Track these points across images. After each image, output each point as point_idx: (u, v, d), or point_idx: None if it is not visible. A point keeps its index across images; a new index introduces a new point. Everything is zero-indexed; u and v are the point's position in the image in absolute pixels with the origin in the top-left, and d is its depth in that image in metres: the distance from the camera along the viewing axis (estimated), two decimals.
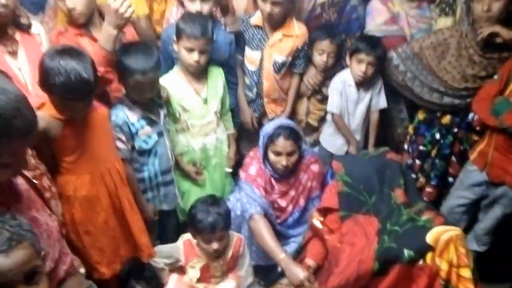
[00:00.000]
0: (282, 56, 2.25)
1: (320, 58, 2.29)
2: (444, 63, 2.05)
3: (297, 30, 2.23)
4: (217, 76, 2.06)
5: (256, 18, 2.23)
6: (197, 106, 2.01)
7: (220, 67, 2.07)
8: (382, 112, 2.36)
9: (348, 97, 2.29)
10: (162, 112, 1.84)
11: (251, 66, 2.30)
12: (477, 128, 2.07)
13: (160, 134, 1.84)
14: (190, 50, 1.85)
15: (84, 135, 1.53)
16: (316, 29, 2.29)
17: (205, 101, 2.01)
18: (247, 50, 2.27)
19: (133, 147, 1.79)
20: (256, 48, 2.25)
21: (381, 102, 2.32)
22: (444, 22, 2.17)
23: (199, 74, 1.99)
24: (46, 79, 1.36)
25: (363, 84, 2.25)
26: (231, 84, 2.22)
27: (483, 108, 1.90)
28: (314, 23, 2.35)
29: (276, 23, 2.19)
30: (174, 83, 1.96)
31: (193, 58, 1.86)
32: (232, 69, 2.22)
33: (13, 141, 0.90)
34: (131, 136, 1.76)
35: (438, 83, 2.08)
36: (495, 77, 1.91)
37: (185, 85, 1.98)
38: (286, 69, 2.31)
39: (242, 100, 2.35)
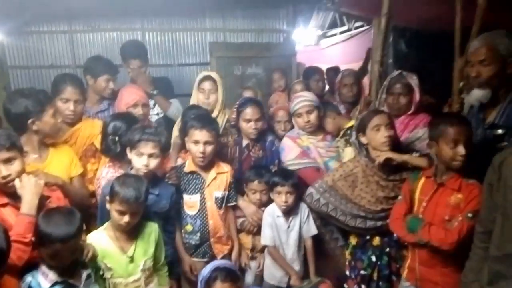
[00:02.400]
0: (220, 191, 2.38)
1: (253, 196, 2.46)
2: (357, 190, 2.25)
3: (225, 167, 2.44)
4: (149, 232, 2.03)
5: (189, 165, 2.38)
6: (121, 265, 1.95)
7: (155, 222, 2.09)
8: (319, 240, 2.45)
9: (279, 227, 2.40)
10: (85, 272, 1.78)
11: (191, 211, 2.36)
12: (406, 244, 2.15)
13: None
14: (122, 212, 1.87)
15: None
16: (247, 171, 2.50)
17: (131, 259, 1.96)
18: (186, 197, 2.37)
19: None
20: (195, 192, 2.36)
21: (311, 229, 2.42)
22: (350, 152, 2.45)
23: (129, 231, 1.98)
24: None
25: (290, 213, 2.40)
26: (170, 234, 2.26)
27: (399, 228, 2.02)
28: (246, 163, 2.59)
29: (208, 163, 2.36)
30: (99, 241, 1.94)
31: (123, 220, 1.89)
32: (171, 219, 2.28)
33: None
34: None
35: (357, 209, 2.25)
36: (400, 197, 2.11)
37: (111, 243, 1.94)
38: (225, 203, 2.42)
39: (180, 249, 2.36)
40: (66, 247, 1.64)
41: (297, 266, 2.40)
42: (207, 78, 2.80)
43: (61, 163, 2.17)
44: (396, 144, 2.21)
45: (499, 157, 1.49)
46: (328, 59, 6.54)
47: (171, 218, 2.27)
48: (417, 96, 2.40)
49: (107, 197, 1.92)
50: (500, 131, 1.93)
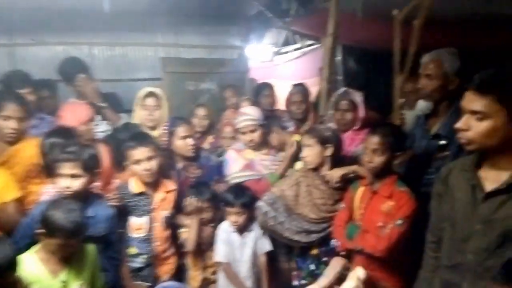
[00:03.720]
0: (168, 210, 2.36)
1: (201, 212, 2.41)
2: (300, 199, 2.28)
3: (173, 185, 2.41)
4: (84, 254, 1.93)
5: (136, 186, 2.32)
6: None
7: (92, 244, 1.98)
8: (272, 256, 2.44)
9: (232, 244, 2.38)
10: None
11: (137, 233, 2.30)
12: (343, 253, 2.18)
13: None
14: (63, 246, 1.75)
15: None
16: (187, 190, 2.46)
17: (64, 284, 1.82)
18: (132, 219, 2.30)
19: None
20: (142, 214, 2.31)
21: (266, 245, 2.42)
22: (300, 165, 2.50)
23: None
24: None
25: (244, 228, 2.39)
26: (112, 260, 2.14)
27: (340, 235, 2.09)
28: (186, 183, 2.56)
29: (156, 182, 2.32)
30: (28, 265, 1.76)
31: (65, 251, 1.77)
32: (112, 245, 2.16)
33: None
34: None
35: (301, 219, 2.25)
36: (342, 205, 2.17)
37: (41, 266, 1.79)
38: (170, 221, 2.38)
39: (127, 277, 2.27)
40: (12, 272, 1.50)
41: (249, 284, 2.38)
42: (150, 94, 2.77)
43: None
44: (338, 160, 2.29)
45: (445, 169, 1.56)
46: (281, 75, 6.67)
47: (112, 244, 2.14)
48: (361, 112, 2.50)
49: (41, 230, 1.75)
50: (443, 141, 2.05)
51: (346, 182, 2.23)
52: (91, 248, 1.95)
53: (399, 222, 1.86)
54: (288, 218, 2.30)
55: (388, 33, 2.53)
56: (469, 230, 1.38)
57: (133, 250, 2.30)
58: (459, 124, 1.33)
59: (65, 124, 2.52)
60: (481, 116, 1.27)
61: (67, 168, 1.96)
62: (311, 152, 2.23)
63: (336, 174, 2.20)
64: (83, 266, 1.89)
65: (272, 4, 3.85)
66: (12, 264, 1.53)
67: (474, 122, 1.29)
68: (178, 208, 2.45)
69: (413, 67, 2.41)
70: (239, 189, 2.41)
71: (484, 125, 1.27)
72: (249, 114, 2.60)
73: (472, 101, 1.27)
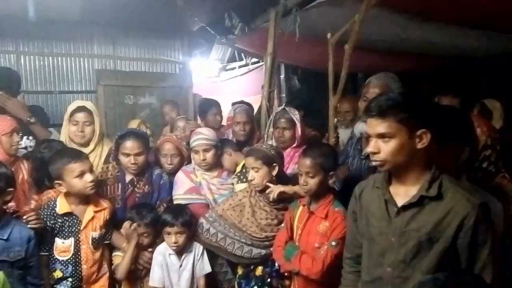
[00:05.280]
0: (97, 231, 2.21)
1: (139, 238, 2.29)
2: (244, 219, 2.27)
3: (104, 204, 2.26)
4: None
5: (62, 206, 2.15)
6: None
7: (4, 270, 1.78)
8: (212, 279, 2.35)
9: (170, 267, 2.27)
10: None
11: (62, 256, 2.14)
12: (286, 274, 2.18)
13: None
14: None
15: None
16: (129, 210, 2.35)
17: None
18: (58, 241, 2.14)
19: None
20: (68, 236, 2.15)
21: (206, 267, 2.34)
22: (240, 187, 2.47)
23: None
24: None
25: (183, 250, 2.29)
26: (32, 286, 1.98)
27: (279, 256, 2.08)
28: (131, 200, 2.43)
29: (86, 201, 2.18)
30: None
31: None
32: (32, 269, 1.99)
33: None
34: None
35: (245, 237, 2.24)
36: (282, 225, 2.17)
37: None
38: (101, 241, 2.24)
39: None
40: None
41: None
42: (80, 109, 2.59)
43: None
44: (281, 177, 2.28)
45: (359, 187, 1.62)
46: (227, 92, 6.69)
47: (31, 268, 1.97)
48: (298, 130, 2.54)
49: None
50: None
51: (287, 201, 2.22)
52: None
53: (333, 243, 1.87)
54: (231, 234, 2.26)
55: (324, 55, 2.60)
56: (386, 243, 1.45)
57: (57, 273, 2.13)
58: (369, 149, 1.42)
59: None
60: (386, 136, 1.37)
61: None
62: (259, 174, 2.21)
63: (276, 190, 2.20)
64: None
65: (215, 21, 3.85)
66: None
67: (382, 144, 1.39)
68: (115, 225, 2.31)
69: (347, 88, 2.49)
70: (178, 209, 2.32)
71: (391, 144, 1.37)
72: (203, 133, 2.55)
73: (376, 126, 1.38)
